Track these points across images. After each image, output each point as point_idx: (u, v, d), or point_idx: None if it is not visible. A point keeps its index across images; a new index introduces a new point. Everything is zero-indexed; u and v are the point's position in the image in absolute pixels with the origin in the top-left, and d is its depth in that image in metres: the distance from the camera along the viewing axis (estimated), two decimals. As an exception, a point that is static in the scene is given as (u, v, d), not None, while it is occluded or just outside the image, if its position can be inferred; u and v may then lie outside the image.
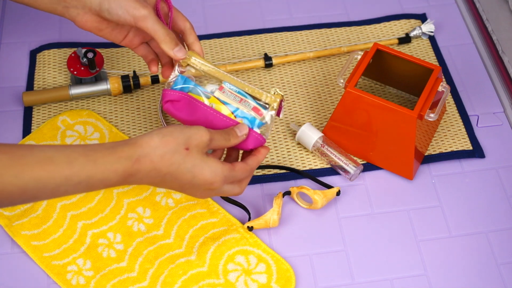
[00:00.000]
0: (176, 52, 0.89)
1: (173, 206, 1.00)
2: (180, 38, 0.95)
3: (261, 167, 1.06)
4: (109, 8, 0.87)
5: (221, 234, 0.98)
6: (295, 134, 1.08)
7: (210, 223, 0.99)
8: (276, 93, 0.92)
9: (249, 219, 0.99)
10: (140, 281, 0.94)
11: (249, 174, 0.88)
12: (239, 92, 0.91)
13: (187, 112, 0.89)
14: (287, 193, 1.01)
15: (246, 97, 0.91)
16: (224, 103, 0.90)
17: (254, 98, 0.91)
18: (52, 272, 0.94)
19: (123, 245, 0.96)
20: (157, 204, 1.00)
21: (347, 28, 1.24)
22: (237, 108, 0.90)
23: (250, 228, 0.98)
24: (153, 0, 0.92)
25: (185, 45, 0.96)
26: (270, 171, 1.06)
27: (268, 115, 0.91)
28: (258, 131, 0.90)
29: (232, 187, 0.87)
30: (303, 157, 1.07)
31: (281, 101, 0.91)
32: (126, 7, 0.87)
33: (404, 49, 1.21)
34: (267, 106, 0.91)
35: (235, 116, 0.89)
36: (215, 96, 0.90)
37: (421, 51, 1.21)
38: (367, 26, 1.24)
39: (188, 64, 0.91)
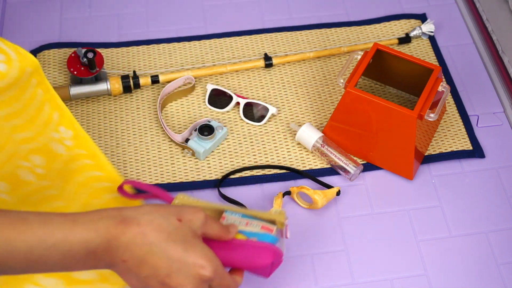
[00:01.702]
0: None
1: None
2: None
3: (261, 167, 1.06)
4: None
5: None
6: (295, 134, 1.08)
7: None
8: (279, 211, 0.87)
9: (249, 219, 0.99)
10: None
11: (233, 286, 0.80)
12: (243, 216, 0.87)
13: None
14: (287, 193, 1.01)
15: (251, 219, 0.86)
16: None
17: (260, 219, 0.87)
18: None
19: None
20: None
21: (347, 28, 1.24)
22: (246, 231, 0.85)
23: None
24: None
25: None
26: (270, 171, 1.06)
27: (277, 230, 0.86)
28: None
29: None
30: (303, 157, 1.07)
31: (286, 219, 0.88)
32: None
33: (404, 49, 1.21)
34: (275, 222, 0.86)
35: (247, 237, 0.84)
36: None
37: (421, 51, 1.21)
38: (367, 26, 1.25)
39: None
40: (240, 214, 0.87)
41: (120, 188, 0.93)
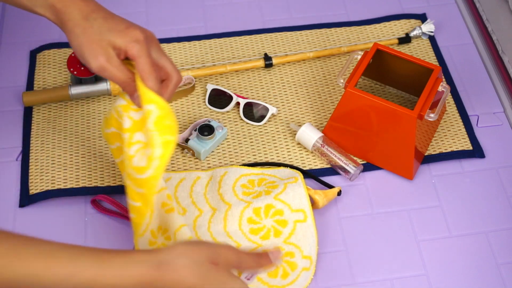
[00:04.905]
0: (134, 98, 0.84)
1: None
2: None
3: (263, 164, 1.05)
4: (71, 46, 0.84)
5: None
6: (295, 134, 1.08)
7: None
8: None
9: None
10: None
11: None
12: None
13: None
14: (287, 193, 1.01)
15: None
16: None
17: None
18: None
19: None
20: None
21: (347, 28, 1.24)
22: None
23: None
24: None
25: None
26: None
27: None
28: None
29: None
30: (303, 157, 1.07)
31: None
32: (82, 54, 0.82)
33: (404, 49, 1.21)
34: None
35: None
36: None
37: (421, 51, 1.21)
38: (367, 26, 1.24)
39: None
40: None
41: (93, 201, 1.00)
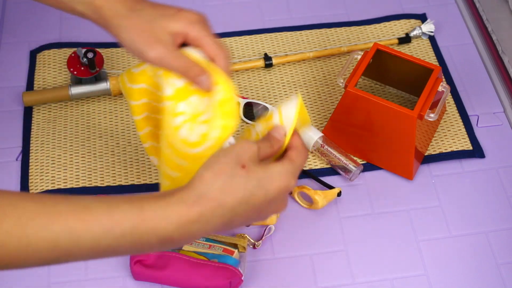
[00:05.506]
0: (201, 81, 0.78)
1: None
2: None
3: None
4: (121, 40, 0.80)
5: None
6: (295, 134, 1.08)
7: None
8: (241, 235, 0.96)
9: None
10: None
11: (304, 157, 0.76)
12: (206, 240, 0.94)
13: (158, 267, 0.91)
14: (287, 193, 1.01)
15: (214, 243, 0.94)
16: (194, 252, 0.93)
17: (222, 242, 0.95)
18: None
19: None
20: None
21: (347, 28, 1.24)
22: (208, 253, 0.93)
23: (247, 225, 0.98)
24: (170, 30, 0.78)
25: None
26: (270, 171, 1.06)
27: (238, 253, 0.93)
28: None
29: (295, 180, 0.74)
30: (303, 157, 1.07)
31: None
32: (136, 46, 0.78)
33: (404, 49, 1.21)
34: (237, 246, 0.94)
35: (208, 259, 0.92)
36: (183, 249, 0.93)
37: (421, 51, 1.21)
38: (367, 26, 1.24)
39: None
40: (203, 238, 0.94)
41: None
